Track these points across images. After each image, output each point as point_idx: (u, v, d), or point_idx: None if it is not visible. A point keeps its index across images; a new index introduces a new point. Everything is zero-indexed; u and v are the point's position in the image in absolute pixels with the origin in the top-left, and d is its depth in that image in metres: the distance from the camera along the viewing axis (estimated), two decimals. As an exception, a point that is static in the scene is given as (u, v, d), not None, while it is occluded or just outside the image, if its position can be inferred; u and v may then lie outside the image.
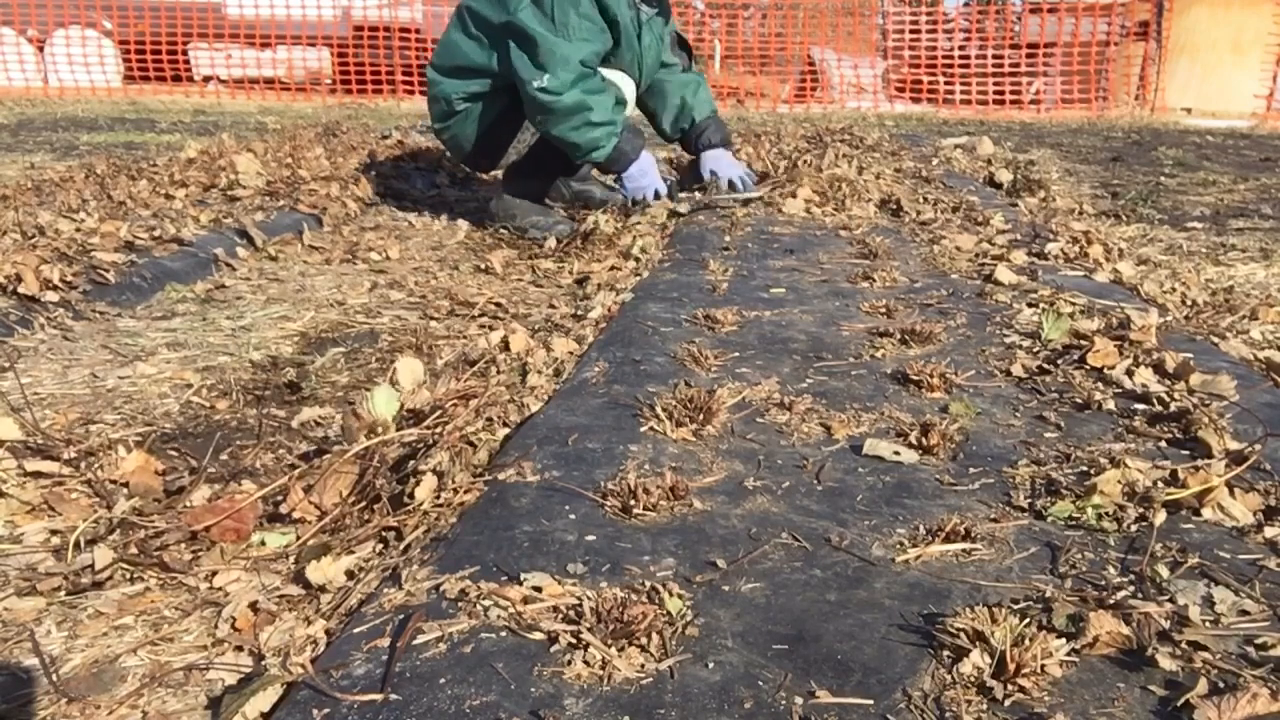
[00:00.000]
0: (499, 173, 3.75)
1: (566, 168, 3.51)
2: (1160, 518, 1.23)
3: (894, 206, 3.53)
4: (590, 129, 3.16)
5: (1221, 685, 0.90)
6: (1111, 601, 1.03)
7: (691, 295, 2.37)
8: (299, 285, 2.75)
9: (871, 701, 0.89)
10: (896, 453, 1.44)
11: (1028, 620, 0.98)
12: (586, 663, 0.93)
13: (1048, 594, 1.05)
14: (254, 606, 1.13)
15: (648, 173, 3.44)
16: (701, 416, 1.54)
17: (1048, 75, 9.97)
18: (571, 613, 1.01)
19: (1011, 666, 0.91)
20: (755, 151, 4.57)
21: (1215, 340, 2.04)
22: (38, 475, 1.41)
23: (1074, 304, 2.20)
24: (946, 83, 10.02)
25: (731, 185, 3.61)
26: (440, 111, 3.45)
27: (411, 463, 1.39)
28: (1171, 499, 1.26)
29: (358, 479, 1.36)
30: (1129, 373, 1.75)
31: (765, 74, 10.31)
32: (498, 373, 1.84)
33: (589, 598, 1.03)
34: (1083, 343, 1.89)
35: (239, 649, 1.07)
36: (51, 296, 2.29)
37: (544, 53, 3.07)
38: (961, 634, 0.96)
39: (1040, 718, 0.87)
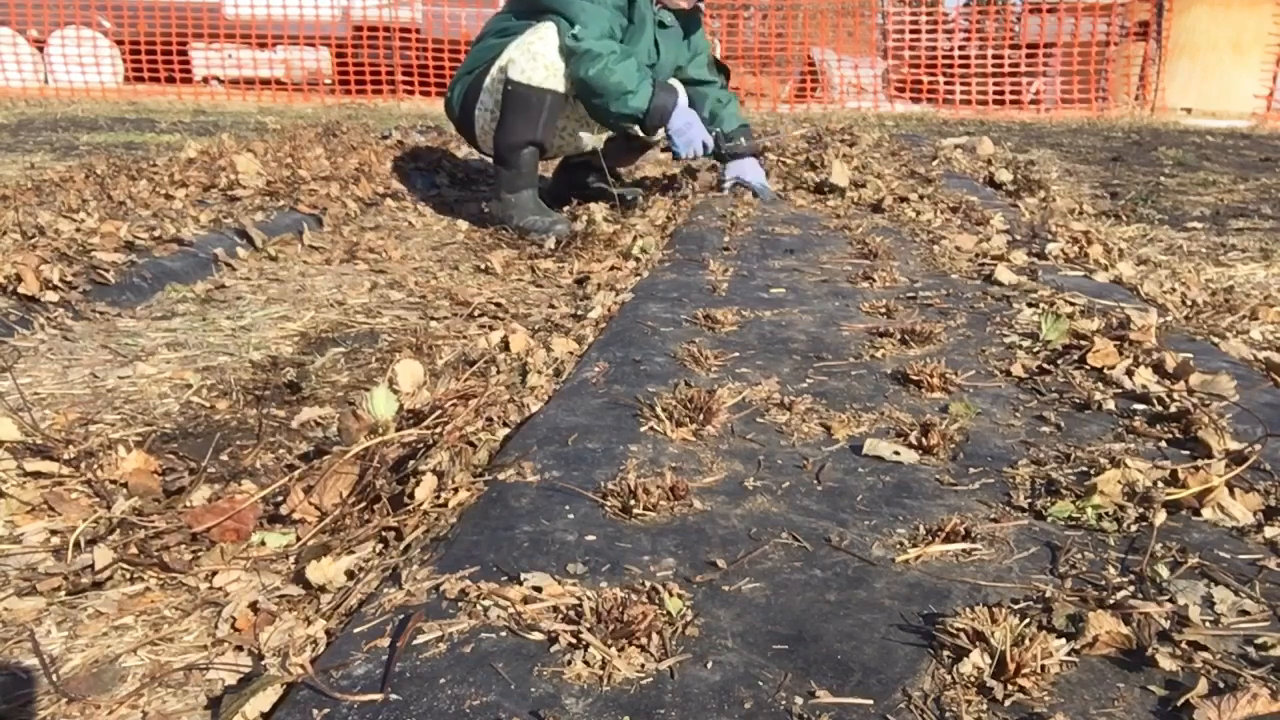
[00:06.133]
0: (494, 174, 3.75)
1: (526, 127, 3.41)
2: (1160, 518, 1.23)
3: (893, 206, 3.53)
4: (617, 71, 3.23)
5: (1221, 685, 0.90)
6: (1111, 601, 1.03)
7: (691, 295, 2.37)
8: (299, 285, 2.75)
9: (871, 701, 0.89)
10: (896, 453, 1.44)
11: (1028, 620, 0.98)
12: (586, 663, 0.93)
13: (1048, 594, 1.05)
14: (254, 606, 1.13)
15: (693, 124, 3.48)
16: (701, 416, 1.54)
17: (1048, 75, 9.97)
18: (571, 613, 1.01)
19: (1011, 666, 0.91)
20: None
21: (1215, 340, 2.04)
22: (38, 475, 1.40)
23: (1074, 304, 2.20)
24: (946, 83, 10.02)
25: (752, 191, 3.78)
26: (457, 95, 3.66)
27: (411, 463, 1.39)
28: (1171, 499, 1.26)
29: (358, 479, 1.36)
30: (1129, 373, 1.75)
31: (765, 74, 10.31)
32: (498, 373, 1.84)
33: (589, 598, 1.03)
34: (1083, 343, 1.89)
35: (239, 649, 1.07)
36: (51, 296, 2.29)
37: (575, 10, 3.27)
38: (961, 634, 0.96)
39: (1040, 718, 0.87)
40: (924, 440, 1.46)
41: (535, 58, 3.30)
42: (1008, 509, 1.28)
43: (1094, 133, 7.63)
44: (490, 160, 3.69)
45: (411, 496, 1.29)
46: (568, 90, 3.34)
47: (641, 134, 3.55)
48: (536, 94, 3.33)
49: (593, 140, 3.70)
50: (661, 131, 3.47)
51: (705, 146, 3.51)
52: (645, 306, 2.27)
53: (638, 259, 2.84)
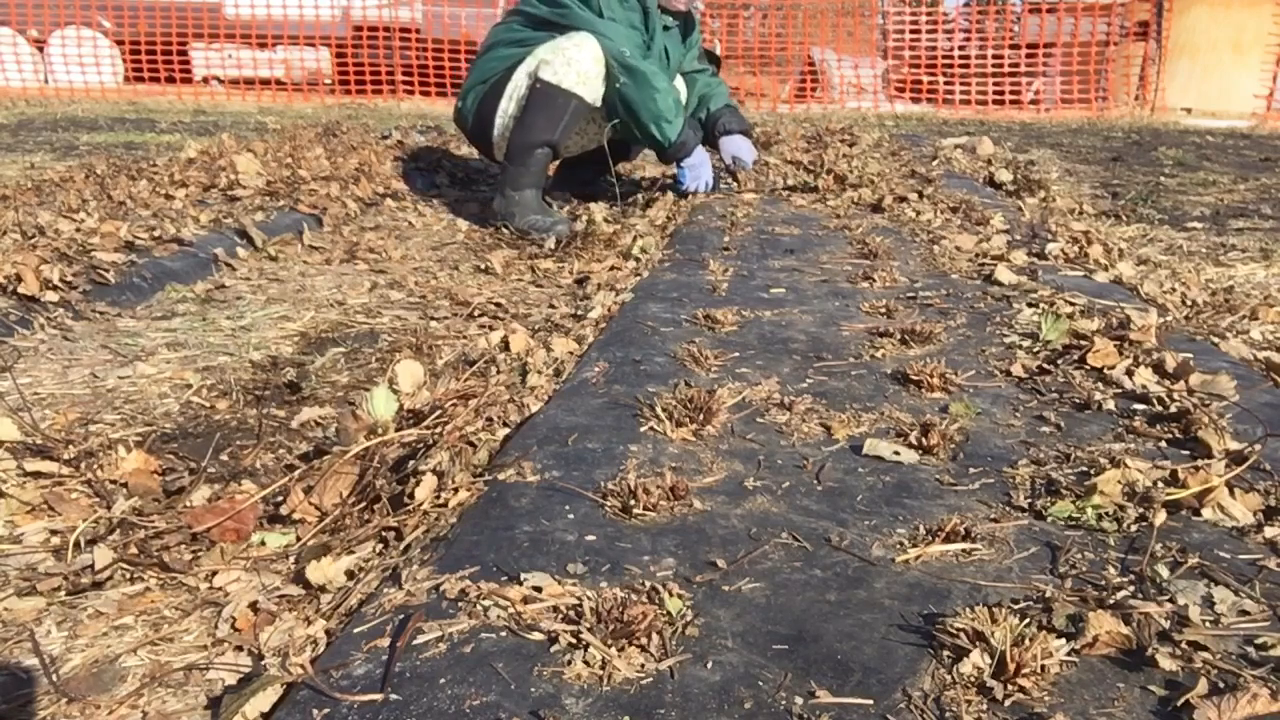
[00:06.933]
0: (500, 171, 3.75)
1: (546, 126, 3.44)
2: (1160, 518, 1.23)
3: (893, 206, 3.53)
4: (661, 100, 3.42)
5: (1221, 685, 0.90)
6: (1111, 601, 1.03)
7: (691, 295, 2.37)
8: (299, 285, 2.75)
9: (871, 701, 0.89)
10: (896, 453, 1.44)
11: (1028, 620, 0.98)
12: (586, 663, 0.93)
13: (1048, 594, 1.05)
14: (254, 606, 1.13)
15: (705, 164, 3.75)
16: (701, 416, 1.54)
17: (1047, 75, 9.97)
18: (571, 613, 1.01)
19: (1011, 666, 0.91)
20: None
21: (1215, 340, 2.04)
22: (38, 475, 1.41)
23: (1074, 304, 2.20)
24: (946, 83, 10.02)
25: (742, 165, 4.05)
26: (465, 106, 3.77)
27: (411, 463, 1.39)
28: (1171, 499, 1.26)
29: (358, 479, 1.36)
30: (1129, 373, 1.75)
31: (765, 74, 10.30)
32: (498, 373, 1.84)
33: (589, 598, 1.03)
34: (1083, 343, 1.89)
35: (239, 649, 1.07)
36: (51, 296, 2.29)
37: (600, 29, 3.40)
38: (961, 634, 0.96)
39: (1040, 718, 0.87)
40: (924, 440, 1.46)
41: (570, 63, 3.36)
42: (1008, 509, 1.28)
43: (1094, 133, 7.63)
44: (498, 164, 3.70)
45: (411, 496, 1.29)
46: (593, 101, 3.41)
47: (658, 157, 3.75)
48: (564, 96, 3.38)
49: (602, 137, 3.71)
50: (674, 164, 3.73)
51: (707, 185, 3.74)
52: (645, 306, 2.27)
53: (638, 259, 2.84)
